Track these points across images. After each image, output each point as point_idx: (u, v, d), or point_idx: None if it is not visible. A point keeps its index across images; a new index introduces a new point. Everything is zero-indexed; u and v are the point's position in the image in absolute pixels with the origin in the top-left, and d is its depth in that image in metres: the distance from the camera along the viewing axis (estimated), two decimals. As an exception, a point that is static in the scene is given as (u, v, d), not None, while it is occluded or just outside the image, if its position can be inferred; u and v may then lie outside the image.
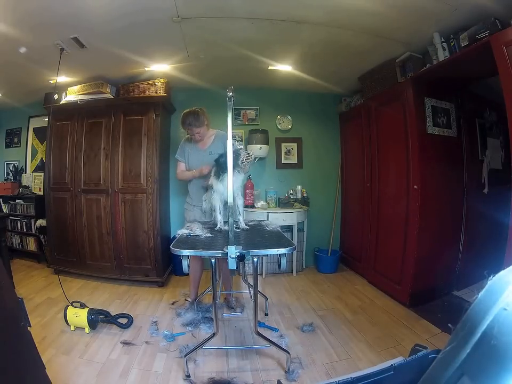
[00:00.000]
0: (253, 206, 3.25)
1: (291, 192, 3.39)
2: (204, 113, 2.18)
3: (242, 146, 1.89)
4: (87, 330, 1.95)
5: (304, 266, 3.36)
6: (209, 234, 1.77)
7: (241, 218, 2.00)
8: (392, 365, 0.62)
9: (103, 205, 2.94)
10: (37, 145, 3.80)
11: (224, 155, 1.84)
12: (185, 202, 2.40)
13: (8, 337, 0.88)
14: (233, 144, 1.88)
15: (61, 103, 3.02)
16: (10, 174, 3.90)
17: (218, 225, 1.90)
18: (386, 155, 2.73)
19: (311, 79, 2.97)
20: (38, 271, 3.23)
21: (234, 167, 1.80)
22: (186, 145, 2.31)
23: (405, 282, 2.39)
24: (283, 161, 3.50)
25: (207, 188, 2.08)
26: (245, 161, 1.84)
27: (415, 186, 2.31)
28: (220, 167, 1.89)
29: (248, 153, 1.90)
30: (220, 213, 1.93)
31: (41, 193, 3.52)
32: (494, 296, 0.35)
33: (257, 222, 2.25)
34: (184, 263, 1.46)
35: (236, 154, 1.83)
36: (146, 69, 2.77)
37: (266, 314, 2.26)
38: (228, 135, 1.49)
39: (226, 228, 1.80)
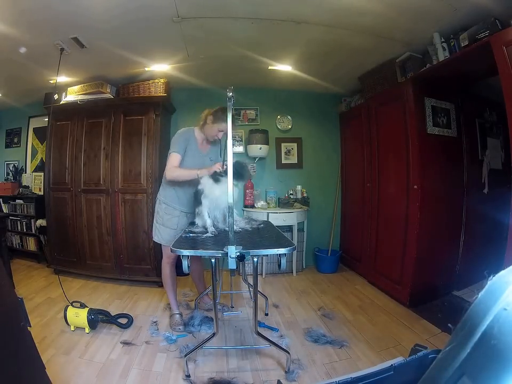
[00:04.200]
0: (253, 206, 3.25)
1: (291, 192, 3.39)
2: None
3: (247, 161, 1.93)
4: (87, 330, 1.95)
5: (304, 266, 3.36)
6: (209, 234, 1.77)
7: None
8: (392, 365, 0.62)
9: (103, 205, 2.94)
10: (37, 145, 3.80)
11: (240, 164, 1.71)
12: (160, 203, 2.08)
13: (8, 337, 0.88)
14: (239, 159, 1.79)
15: (61, 103, 3.02)
16: (10, 174, 3.91)
17: (210, 229, 1.78)
18: (386, 155, 2.73)
19: (311, 79, 2.97)
20: (38, 271, 3.23)
21: (239, 179, 1.71)
22: (189, 141, 1.97)
23: (405, 282, 2.39)
24: (283, 161, 3.50)
25: (197, 195, 1.86)
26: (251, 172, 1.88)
27: (415, 186, 2.31)
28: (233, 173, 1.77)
29: (253, 166, 1.97)
30: (209, 216, 1.82)
31: (41, 193, 3.52)
32: (494, 296, 0.35)
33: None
34: (184, 263, 1.46)
35: (244, 167, 1.76)
36: (146, 69, 2.77)
37: (266, 314, 2.26)
38: (228, 137, 1.47)
39: (213, 229, 1.79)
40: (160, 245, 2.14)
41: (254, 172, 1.96)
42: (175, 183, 2.01)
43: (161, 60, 2.63)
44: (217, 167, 1.78)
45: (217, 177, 1.76)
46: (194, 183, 1.93)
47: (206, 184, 1.80)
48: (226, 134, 1.83)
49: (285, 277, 3.14)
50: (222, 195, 1.71)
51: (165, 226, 2.06)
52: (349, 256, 3.38)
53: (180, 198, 2.06)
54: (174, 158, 1.94)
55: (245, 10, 1.89)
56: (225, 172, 1.70)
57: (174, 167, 1.92)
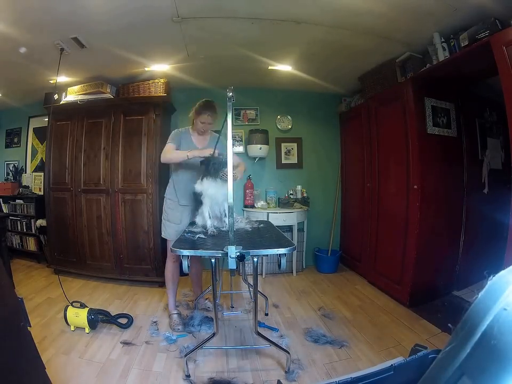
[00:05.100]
0: (253, 206, 3.25)
1: (291, 192, 3.39)
2: None
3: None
4: (87, 330, 1.95)
5: (304, 266, 3.36)
6: (209, 234, 1.77)
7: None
8: (392, 365, 0.62)
9: (103, 205, 2.94)
10: (37, 145, 3.80)
11: (214, 160, 1.81)
12: (165, 200, 2.17)
13: (8, 337, 0.88)
14: (221, 155, 1.83)
15: (61, 103, 3.02)
16: (10, 174, 3.90)
17: (210, 230, 1.81)
18: (386, 155, 2.73)
19: (311, 79, 2.97)
20: (38, 271, 3.23)
21: (214, 174, 1.81)
22: (182, 136, 2.09)
23: (405, 282, 2.39)
24: (283, 161, 3.50)
25: (196, 193, 1.91)
26: (223, 177, 1.80)
27: (415, 186, 2.31)
28: (207, 170, 1.83)
29: (234, 174, 1.88)
30: (210, 217, 1.86)
31: (41, 193, 3.52)
32: (494, 296, 0.35)
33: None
34: (184, 263, 1.46)
35: (221, 165, 1.79)
36: (146, 69, 2.77)
37: (266, 314, 2.26)
38: (228, 137, 1.46)
39: (214, 229, 1.81)
40: (164, 243, 2.20)
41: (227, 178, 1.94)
42: (175, 177, 2.13)
43: (161, 60, 2.63)
44: (210, 151, 1.85)
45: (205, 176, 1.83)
46: (190, 175, 2.06)
47: (204, 185, 1.85)
48: (209, 124, 2.02)
49: (285, 277, 3.14)
50: (218, 191, 1.81)
51: (170, 221, 2.13)
52: (349, 256, 3.38)
53: (177, 189, 2.12)
54: (168, 147, 2.04)
55: (245, 10, 1.89)
56: (210, 160, 1.82)
57: (167, 150, 2.02)
